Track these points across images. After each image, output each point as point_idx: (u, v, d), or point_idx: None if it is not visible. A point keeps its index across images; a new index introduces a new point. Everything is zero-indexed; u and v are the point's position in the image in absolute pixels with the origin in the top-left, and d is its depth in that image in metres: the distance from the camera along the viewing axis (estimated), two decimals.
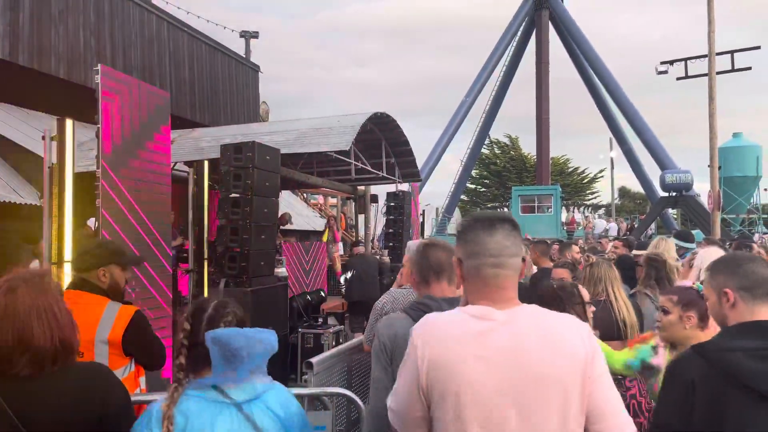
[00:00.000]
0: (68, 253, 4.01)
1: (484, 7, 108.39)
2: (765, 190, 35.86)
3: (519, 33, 36.14)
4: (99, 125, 4.71)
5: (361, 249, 9.14)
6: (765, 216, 34.98)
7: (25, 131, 8.74)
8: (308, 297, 8.24)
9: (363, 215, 13.10)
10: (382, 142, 10.67)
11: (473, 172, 44.43)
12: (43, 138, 4.22)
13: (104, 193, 4.60)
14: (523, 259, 1.66)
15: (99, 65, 4.59)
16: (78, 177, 4.70)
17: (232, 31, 19.30)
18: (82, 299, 2.55)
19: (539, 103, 36.55)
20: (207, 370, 1.64)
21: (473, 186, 50.13)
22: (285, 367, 6.90)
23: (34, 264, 6.93)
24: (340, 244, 15.85)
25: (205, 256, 6.28)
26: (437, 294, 2.34)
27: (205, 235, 6.37)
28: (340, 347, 3.87)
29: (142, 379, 2.70)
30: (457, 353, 1.50)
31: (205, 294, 6.17)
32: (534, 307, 1.62)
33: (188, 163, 7.82)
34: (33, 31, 10.34)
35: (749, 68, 16.98)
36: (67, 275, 3.85)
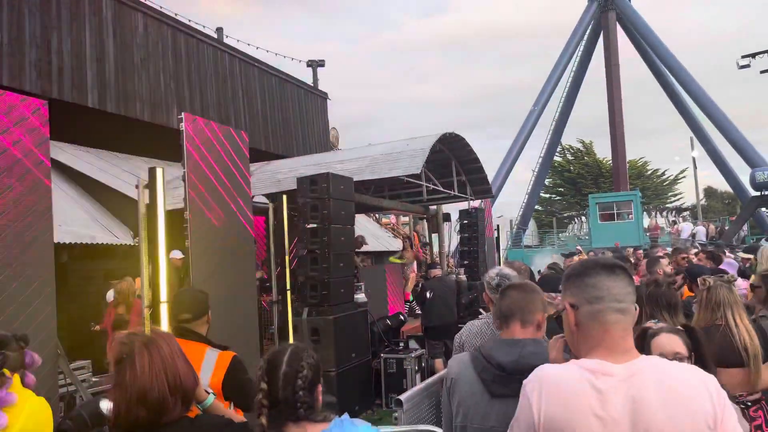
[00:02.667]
0: (163, 295, 4.25)
1: (542, 14, 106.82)
2: None
3: (586, 36, 35.31)
4: (185, 169, 5.00)
5: (438, 272, 9.08)
6: None
7: (117, 174, 9.34)
8: (388, 321, 8.29)
9: (436, 234, 13.08)
10: (452, 161, 10.65)
11: (547, 181, 43.43)
12: (137, 187, 4.52)
13: (194, 234, 4.85)
14: (636, 309, 1.59)
15: (183, 114, 4.88)
16: (166, 214, 5.00)
17: (300, 61, 19.88)
18: (185, 347, 2.70)
19: (611, 106, 35.44)
20: (289, 427, 1.72)
21: (547, 195, 48.98)
22: (369, 393, 6.96)
23: (110, 294, 7.41)
24: (415, 264, 15.86)
25: (288, 286, 6.46)
26: (506, 337, 2.38)
27: (287, 265, 6.56)
28: (427, 381, 3.87)
29: None
30: (575, 412, 1.46)
31: (290, 323, 6.34)
32: (654, 360, 1.56)
33: (267, 196, 8.11)
34: (118, 79, 11.08)
35: None
36: (163, 316, 4.08)
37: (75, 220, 7.58)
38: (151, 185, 4.54)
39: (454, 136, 9.75)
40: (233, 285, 5.31)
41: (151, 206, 4.50)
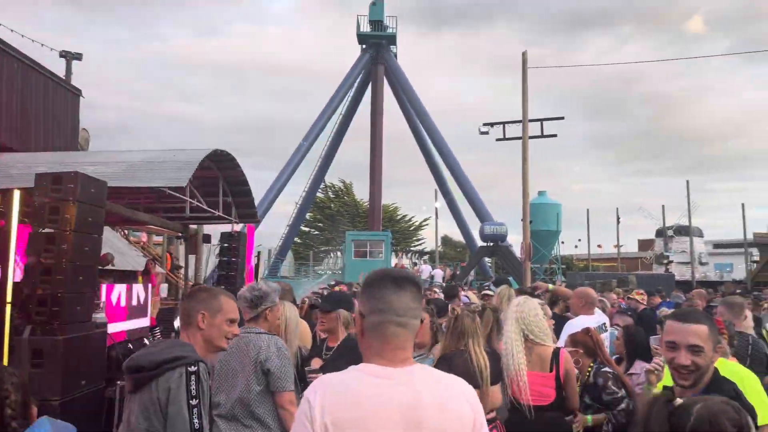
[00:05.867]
0: None
1: (316, 55, 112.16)
2: (563, 243, 41.12)
3: (356, 84, 37.62)
4: None
5: None
6: (563, 266, 39.93)
7: None
8: (130, 345, 7.50)
9: (194, 255, 12.39)
10: (219, 180, 10.28)
11: (307, 215, 44.64)
12: None
13: None
14: (422, 321, 1.70)
15: None
16: None
17: (51, 49, 17.55)
18: None
19: (373, 152, 38.04)
20: None
21: (307, 229, 50.28)
22: (99, 423, 6.17)
23: None
24: (164, 287, 14.76)
25: (9, 299, 5.44)
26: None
27: (10, 275, 5.54)
28: None
29: None
30: (358, 413, 1.51)
31: (5, 343, 5.32)
32: (426, 368, 1.69)
33: None
34: None
35: (555, 135, 19.31)
36: None
37: None
38: None
39: (226, 154, 9.45)
40: None
41: None
